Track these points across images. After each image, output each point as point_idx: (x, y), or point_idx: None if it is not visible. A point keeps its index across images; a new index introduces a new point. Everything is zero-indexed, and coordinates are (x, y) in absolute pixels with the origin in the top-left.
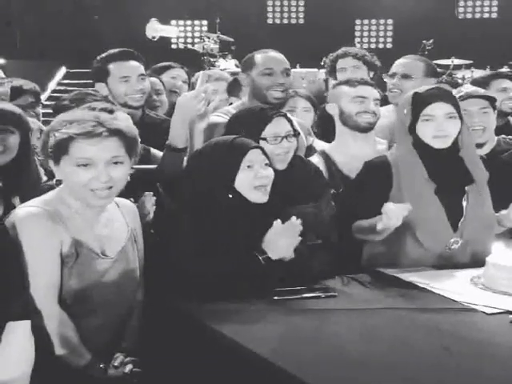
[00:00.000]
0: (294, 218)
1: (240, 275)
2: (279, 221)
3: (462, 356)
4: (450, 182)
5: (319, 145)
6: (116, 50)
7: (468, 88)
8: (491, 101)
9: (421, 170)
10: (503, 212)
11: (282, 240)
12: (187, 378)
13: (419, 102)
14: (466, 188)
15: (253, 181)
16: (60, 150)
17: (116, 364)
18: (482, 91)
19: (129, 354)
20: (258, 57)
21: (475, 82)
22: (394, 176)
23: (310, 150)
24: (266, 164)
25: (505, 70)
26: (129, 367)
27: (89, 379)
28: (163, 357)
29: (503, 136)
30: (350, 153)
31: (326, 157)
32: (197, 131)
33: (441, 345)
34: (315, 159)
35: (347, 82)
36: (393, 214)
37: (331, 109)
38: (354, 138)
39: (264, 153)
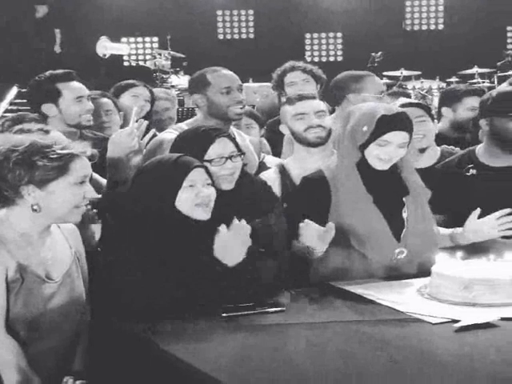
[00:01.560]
0: (236, 220)
1: (195, 288)
2: (224, 226)
3: (409, 367)
4: (388, 195)
5: (270, 160)
6: (61, 71)
7: (402, 99)
8: (427, 110)
9: (360, 185)
10: (458, 230)
11: (232, 244)
12: None
13: (383, 126)
14: (404, 199)
15: (194, 199)
16: (58, 170)
17: None
18: (416, 101)
19: (78, 377)
20: (211, 76)
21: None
22: (332, 190)
23: (263, 166)
24: (209, 184)
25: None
26: None
27: None
28: (112, 379)
29: (445, 146)
30: (306, 167)
31: (283, 171)
32: (132, 166)
33: (388, 356)
34: (271, 173)
35: (287, 101)
36: (307, 235)
37: (283, 129)
38: (309, 152)
39: (207, 172)
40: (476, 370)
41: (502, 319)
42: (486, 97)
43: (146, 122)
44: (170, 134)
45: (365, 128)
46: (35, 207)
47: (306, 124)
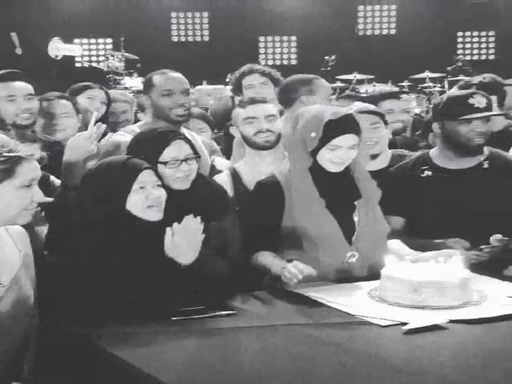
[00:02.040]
0: (189, 216)
1: (149, 290)
2: (176, 224)
3: (358, 370)
4: (340, 198)
5: (219, 163)
6: (5, 71)
7: (359, 105)
8: (381, 116)
9: (312, 189)
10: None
11: (184, 240)
12: None
13: (331, 131)
14: (355, 203)
15: (145, 201)
16: (4, 172)
17: None
18: (372, 107)
19: (26, 382)
20: (157, 78)
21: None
22: (285, 195)
23: (213, 168)
24: (159, 185)
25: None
26: None
27: None
28: (61, 383)
29: (394, 150)
30: (258, 171)
31: (235, 174)
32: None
33: (337, 359)
34: (223, 176)
35: (239, 104)
36: (291, 275)
37: (234, 132)
38: (260, 155)
39: (156, 174)
40: (425, 372)
41: (451, 321)
42: (437, 101)
43: (104, 126)
44: (122, 137)
45: (313, 134)
46: None
47: (255, 128)
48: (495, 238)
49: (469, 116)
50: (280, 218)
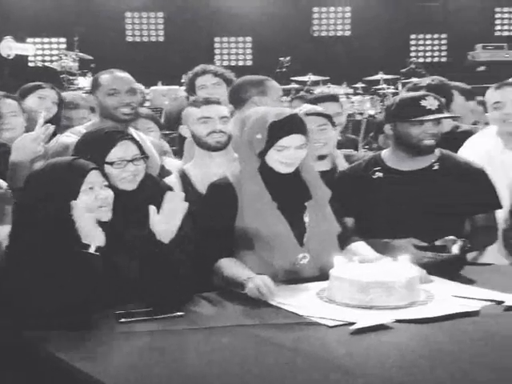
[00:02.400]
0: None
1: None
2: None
3: (304, 370)
4: (291, 199)
5: (170, 163)
6: None
7: (306, 107)
8: (328, 118)
9: (263, 190)
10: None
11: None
12: None
13: (276, 133)
14: (306, 204)
15: (94, 202)
16: None
17: None
18: (319, 109)
19: None
20: (103, 77)
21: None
22: (238, 196)
23: (162, 168)
24: (106, 185)
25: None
26: None
27: None
28: None
29: (343, 150)
30: (207, 172)
31: (183, 175)
32: None
33: (283, 360)
34: (172, 178)
35: (193, 103)
36: (260, 291)
37: (184, 131)
38: (210, 157)
39: (103, 174)
40: (372, 373)
41: (397, 321)
42: (390, 103)
43: (52, 127)
44: (69, 138)
45: (259, 136)
46: None
47: (209, 128)
48: (448, 240)
49: (421, 118)
50: (233, 219)
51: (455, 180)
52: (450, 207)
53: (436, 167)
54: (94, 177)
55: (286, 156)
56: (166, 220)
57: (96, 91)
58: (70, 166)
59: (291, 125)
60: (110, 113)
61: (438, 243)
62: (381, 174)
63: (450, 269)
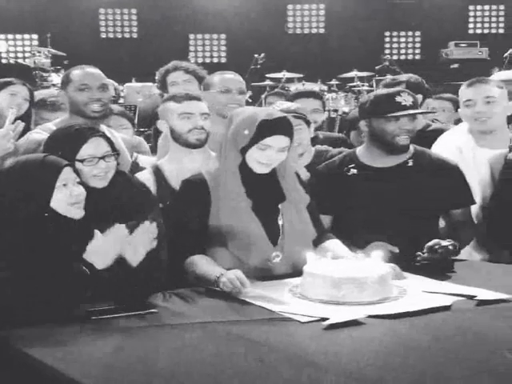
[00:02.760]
0: (117, 225)
1: (64, 290)
2: (97, 232)
3: (276, 366)
4: (266, 200)
5: (144, 160)
6: None
7: (281, 105)
8: (302, 118)
9: (240, 188)
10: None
11: (106, 248)
12: None
13: (264, 131)
14: (280, 206)
15: (68, 199)
16: None
17: None
18: (293, 107)
19: None
20: (74, 73)
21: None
22: (211, 194)
23: (135, 166)
24: (78, 182)
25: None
26: None
27: None
28: None
29: (319, 145)
30: (181, 167)
31: (157, 171)
32: None
33: (255, 356)
34: (146, 174)
35: (173, 98)
36: (233, 284)
37: (161, 126)
38: (186, 152)
39: (75, 171)
40: (344, 368)
41: (370, 317)
42: (364, 99)
43: (22, 124)
44: (40, 135)
45: (246, 131)
46: None
47: (191, 124)
48: (428, 246)
49: (396, 113)
50: (206, 216)
51: (430, 176)
52: (424, 203)
53: (410, 163)
54: (67, 173)
55: (266, 156)
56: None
57: (66, 87)
58: (42, 162)
59: (280, 126)
60: (79, 109)
61: (423, 253)
62: (355, 171)
63: (438, 270)
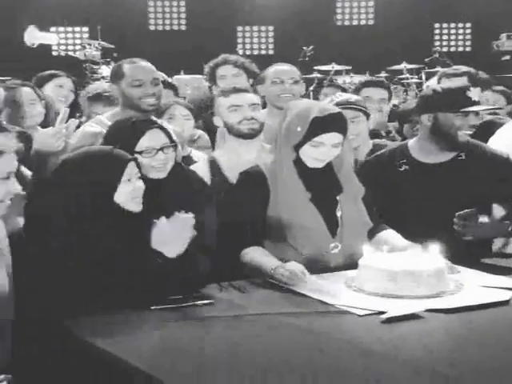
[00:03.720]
0: (177, 213)
1: (133, 281)
2: (163, 217)
3: (337, 357)
4: (324, 193)
5: (196, 155)
6: None
7: (340, 96)
8: (361, 109)
9: (297, 182)
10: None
11: (172, 235)
12: None
13: (316, 128)
14: (338, 198)
15: (131, 193)
16: None
17: None
18: (353, 99)
19: (2, 371)
20: (126, 67)
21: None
22: (270, 186)
23: (189, 160)
24: (139, 176)
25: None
26: None
27: None
28: (38, 372)
29: (377, 140)
30: (237, 160)
31: (213, 162)
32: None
33: (316, 347)
34: (201, 165)
35: (222, 93)
36: (294, 275)
37: (217, 121)
38: (241, 144)
39: (137, 165)
40: (402, 359)
41: (427, 310)
42: (429, 92)
43: (76, 122)
44: (93, 128)
45: (298, 128)
46: None
47: (240, 116)
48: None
49: (469, 108)
50: (265, 208)
51: (482, 169)
52: (477, 197)
53: (463, 157)
54: (132, 168)
55: (320, 152)
56: (171, 238)
57: (119, 81)
58: (110, 156)
59: (333, 122)
60: (133, 103)
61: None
62: (407, 167)
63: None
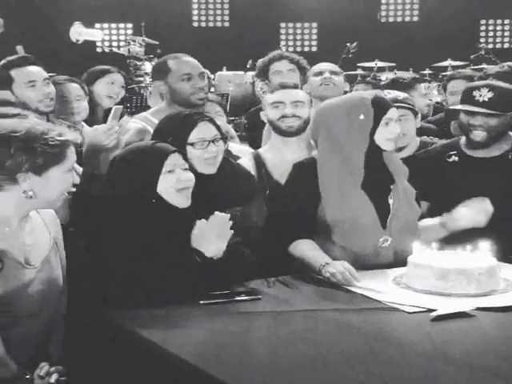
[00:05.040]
0: (217, 212)
1: (175, 277)
2: (203, 220)
3: (386, 355)
4: (374, 181)
5: (235, 148)
6: (17, 56)
7: (389, 94)
8: (409, 107)
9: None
10: (446, 217)
11: (210, 235)
12: None
13: (379, 107)
14: (392, 187)
15: (175, 184)
16: (57, 156)
17: (41, 374)
18: (401, 97)
19: (54, 362)
20: (172, 63)
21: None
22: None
23: (228, 153)
24: (186, 168)
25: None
26: (54, 377)
27: None
28: (89, 365)
29: (424, 137)
30: (282, 157)
31: (258, 158)
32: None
33: (364, 345)
34: (246, 161)
35: (269, 89)
36: (343, 277)
37: (263, 116)
38: (285, 142)
39: (184, 157)
40: (452, 358)
41: (478, 309)
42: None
43: (128, 119)
44: (136, 124)
45: (361, 116)
46: (30, 193)
47: (280, 113)
48: None
49: (462, 107)
50: (317, 200)
51: None
52: None
53: (510, 156)
54: (174, 159)
55: (390, 131)
56: (209, 238)
57: (166, 77)
58: (151, 149)
59: (387, 100)
60: (183, 98)
61: None
62: (456, 158)
63: None
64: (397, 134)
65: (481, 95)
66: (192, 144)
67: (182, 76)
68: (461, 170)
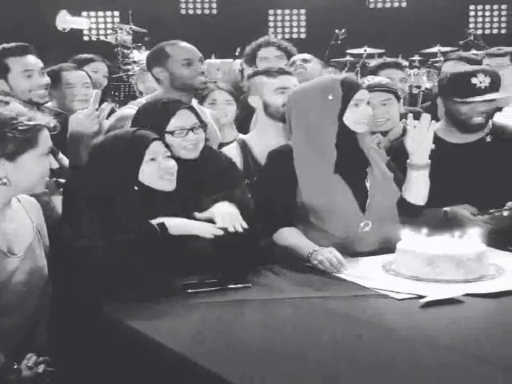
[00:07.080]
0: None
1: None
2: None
3: (374, 342)
4: (351, 166)
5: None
6: (14, 45)
7: (372, 79)
8: (393, 92)
9: (325, 159)
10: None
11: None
12: (100, 374)
13: (349, 88)
14: (367, 169)
15: (158, 172)
16: (28, 142)
17: (30, 364)
18: (384, 81)
19: (41, 352)
20: (169, 48)
21: (367, 72)
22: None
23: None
24: (168, 156)
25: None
26: (42, 367)
27: (3, 381)
28: (76, 355)
29: (404, 121)
30: (269, 143)
31: (244, 145)
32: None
33: (353, 332)
34: (232, 148)
35: (266, 73)
36: (331, 264)
37: (254, 101)
38: (276, 128)
39: (165, 144)
40: (440, 344)
41: (467, 295)
42: (442, 76)
43: (110, 105)
44: (131, 110)
45: (330, 97)
46: (4, 180)
47: (286, 98)
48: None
49: (470, 99)
50: (295, 187)
51: (508, 152)
52: (502, 178)
53: (489, 139)
54: (156, 147)
55: (361, 112)
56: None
57: (165, 63)
58: (132, 137)
59: (355, 82)
60: (185, 83)
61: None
62: (433, 146)
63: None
64: (369, 117)
65: (480, 82)
66: (171, 133)
67: (182, 61)
68: (438, 156)
